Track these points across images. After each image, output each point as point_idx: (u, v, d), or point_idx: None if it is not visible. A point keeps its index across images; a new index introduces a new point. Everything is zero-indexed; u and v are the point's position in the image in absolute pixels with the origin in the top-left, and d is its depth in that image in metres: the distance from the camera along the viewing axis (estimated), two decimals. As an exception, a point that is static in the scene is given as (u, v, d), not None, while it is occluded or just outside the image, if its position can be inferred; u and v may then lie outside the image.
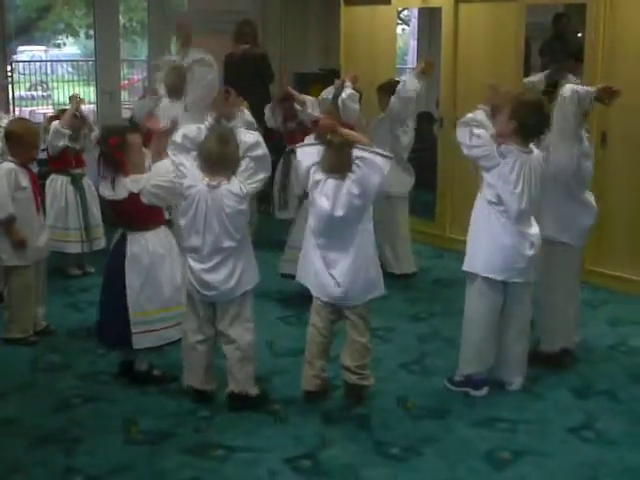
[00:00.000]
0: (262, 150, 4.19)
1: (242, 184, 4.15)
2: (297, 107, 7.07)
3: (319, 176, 4.25)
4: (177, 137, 4.33)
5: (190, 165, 4.23)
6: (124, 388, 4.60)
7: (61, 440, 4.06)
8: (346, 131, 4.37)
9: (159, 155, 4.38)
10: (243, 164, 4.18)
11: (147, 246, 4.44)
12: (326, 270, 4.26)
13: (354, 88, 6.54)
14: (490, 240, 4.41)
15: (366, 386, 4.45)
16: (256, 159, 4.18)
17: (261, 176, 4.22)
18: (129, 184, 4.33)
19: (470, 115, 4.53)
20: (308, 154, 4.34)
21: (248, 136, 4.22)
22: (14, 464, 3.85)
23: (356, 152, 4.23)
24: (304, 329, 4.76)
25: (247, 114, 6.13)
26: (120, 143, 4.35)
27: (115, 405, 4.42)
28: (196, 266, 4.27)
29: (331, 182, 4.20)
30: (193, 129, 4.34)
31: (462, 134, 4.50)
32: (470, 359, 4.54)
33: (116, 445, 4.01)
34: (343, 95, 6.48)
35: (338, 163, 4.21)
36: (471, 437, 4.10)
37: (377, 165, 4.21)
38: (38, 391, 4.61)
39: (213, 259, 4.23)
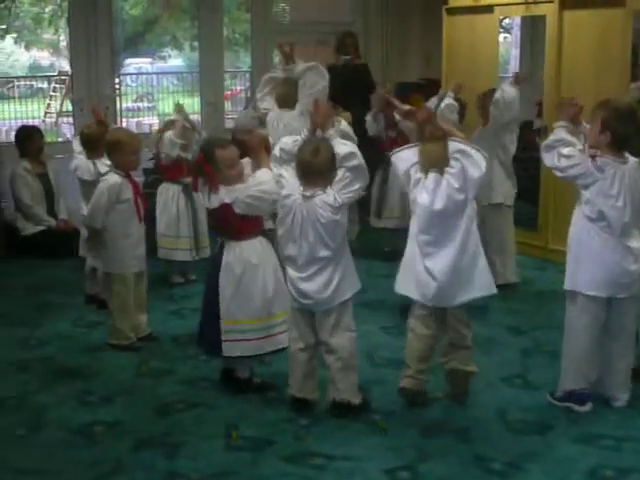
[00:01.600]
0: (357, 160, 4.18)
1: (337, 194, 4.16)
2: (396, 116, 7.09)
3: (420, 174, 4.25)
4: (275, 150, 4.43)
5: (289, 176, 4.29)
6: (225, 394, 4.65)
7: (163, 444, 4.13)
8: (442, 124, 4.37)
9: (258, 166, 4.45)
10: (339, 174, 4.19)
11: (241, 255, 4.47)
12: (424, 266, 4.26)
13: (458, 98, 6.51)
14: (592, 257, 4.30)
15: (470, 372, 4.46)
16: (351, 169, 4.18)
17: (357, 186, 4.21)
18: (222, 195, 4.38)
19: (552, 137, 4.43)
20: (404, 158, 4.35)
21: (342, 147, 4.22)
22: (118, 466, 3.94)
23: (453, 145, 4.23)
24: (404, 339, 4.74)
25: (344, 124, 6.15)
26: (207, 159, 4.41)
27: (217, 411, 4.48)
28: (293, 274, 4.31)
29: (431, 177, 4.21)
30: (289, 141, 4.39)
31: (550, 159, 4.40)
32: (571, 375, 4.44)
33: (217, 450, 4.07)
34: (441, 105, 6.46)
35: (436, 157, 4.21)
36: (574, 454, 4.01)
37: (475, 159, 4.20)
38: (142, 396, 4.71)
39: (309, 268, 4.26)
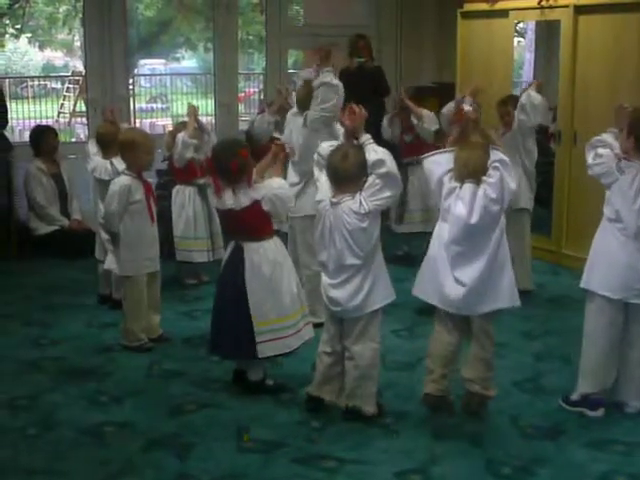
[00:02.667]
0: (386, 168, 4.09)
1: (365, 201, 4.11)
2: (413, 120, 7.07)
3: (454, 183, 4.18)
4: (315, 155, 4.42)
5: (324, 181, 4.27)
6: (237, 396, 4.66)
7: (174, 445, 4.13)
8: (488, 131, 4.30)
9: (274, 172, 4.51)
10: (369, 180, 4.14)
11: (267, 255, 4.49)
12: (451, 275, 4.19)
13: (475, 102, 6.49)
14: (608, 258, 4.31)
15: (488, 396, 4.40)
16: (381, 176, 4.10)
17: (387, 194, 4.13)
18: (252, 192, 4.41)
19: (597, 137, 4.47)
20: (438, 163, 4.26)
21: (372, 153, 4.15)
22: (128, 466, 3.95)
23: (495, 154, 4.15)
24: (416, 342, 4.75)
25: None
26: (249, 154, 4.46)
27: (228, 412, 4.48)
28: (325, 280, 4.31)
29: (467, 187, 4.12)
30: (326, 146, 4.35)
31: (588, 156, 4.45)
32: (588, 378, 4.43)
33: (228, 452, 4.07)
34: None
35: (475, 165, 4.12)
36: (585, 459, 4.00)
37: (512, 170, 4.15)
38: (153, 396, 4.72)
39: (340, 275, 4.23)
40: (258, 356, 4.50)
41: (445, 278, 4.22)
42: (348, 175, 4.16)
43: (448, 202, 4.19)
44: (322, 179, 4.29)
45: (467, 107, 6.42)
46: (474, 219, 4.09)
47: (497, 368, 4.66)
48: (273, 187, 4.43)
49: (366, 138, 4.24)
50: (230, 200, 4.45)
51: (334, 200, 4.18)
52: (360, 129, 4.27)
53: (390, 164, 4.12)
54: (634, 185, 4.21)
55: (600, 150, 4.36)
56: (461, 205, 4.12)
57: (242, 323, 4.46)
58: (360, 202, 4.11)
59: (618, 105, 4.56)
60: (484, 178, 4.11)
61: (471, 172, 4.13)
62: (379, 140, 7.21)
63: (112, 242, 5.38)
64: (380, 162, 4.11)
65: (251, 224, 4.48)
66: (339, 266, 4.21)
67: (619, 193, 4.25)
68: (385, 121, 7.33)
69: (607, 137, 4.44)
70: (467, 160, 4.15)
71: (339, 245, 4.17)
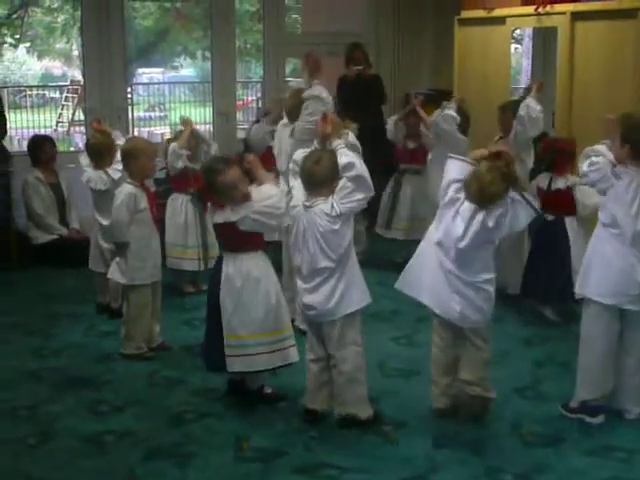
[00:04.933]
0: (356, 171, 4.15)
1: (336, 204, 4.15)
2: (422, 129, 7.11)
3: (459, 195, 4.21)
4: (290, 163, 4.48)
5: (298, 187, 4.32)
6: (236, 405, 4.65)
7: (175, 454, 4.13)
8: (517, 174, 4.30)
9: (260, 183, 4.44)
10: (340, 183, 4.18)
11: (241, 268, 4.41)
12: (448, 290, 4.23)
13: (461, 110, 6.50)
14: (602, 263, 4.33)
15: (489, 398, 4.42)
16: (352, 180, 4.15)
17: (358, 196, 4.17)
18: (227, 213, 4.36)
19: (591, 147, 4.50)
20: (457, 167, 4.28)
21: (343, 157, 4.20)
22: (129, 475, 3.95)
23: (512, 194, 4.16)
24: (415, 350, 4.71)
25: (351, 137, 6.11)
26: (210, 188, 4.41)
27: (227, 421, 4.48)
28: (300, 285, 4.34)
29: (469, 207, 4.16)
30: (300, 153, 4.42)
31: (583, 164, 4.47)
32: (586, 385, 4.43)
33: (228, 461, 4.07)
34: (438, 116, 6.50)
35: (490, 196, 4.11)
36: (586, 466, 4.00)
37: (525, 213, 4.17)
38: (153, 405, 4.71)
39: (314, 279, 4.25)
40: (227, 369, 4.46)
41: (442, 289, 4.26)
42: (320, 178, 4.20)
43: (446, 211, 4.23)
44: (297, 185, 4.33)
45: (447, 111, 6.48)
46: (463, 243, 4.14)
47: (497, 375, 4.67)
48: (256, 202, 4.32)
49: (338, 143, 4.31)
50: (209, 215, 4.49)
51: (307, 204, 4.22)
52: (334, 135, 4.34)
53: (360, 167, 4.17)
54: (630, 191, 4.23)
55: (593, 158, 4.39)
56: (459, 222, 4.16)
57: (215, 334, 4.45)
58: (332, 205, 4.16)
59: (608, 118, 4.57)
60: (490, 207, 4.13)
61: (484, 199, 4.12)
62: (380, 145, 7.25)
63: (118, 252, 5.37)
64: (350, 165, 4.16)
65: (231, 238, 4.43)
66: (312, 270, 4.24)
67: (615, 199, 4.27)
68: (390, 123, 7.35)
69: (600, 148, 4.46)
70: (487, 186, 4.12)
71: (312, 248, 4.20)
